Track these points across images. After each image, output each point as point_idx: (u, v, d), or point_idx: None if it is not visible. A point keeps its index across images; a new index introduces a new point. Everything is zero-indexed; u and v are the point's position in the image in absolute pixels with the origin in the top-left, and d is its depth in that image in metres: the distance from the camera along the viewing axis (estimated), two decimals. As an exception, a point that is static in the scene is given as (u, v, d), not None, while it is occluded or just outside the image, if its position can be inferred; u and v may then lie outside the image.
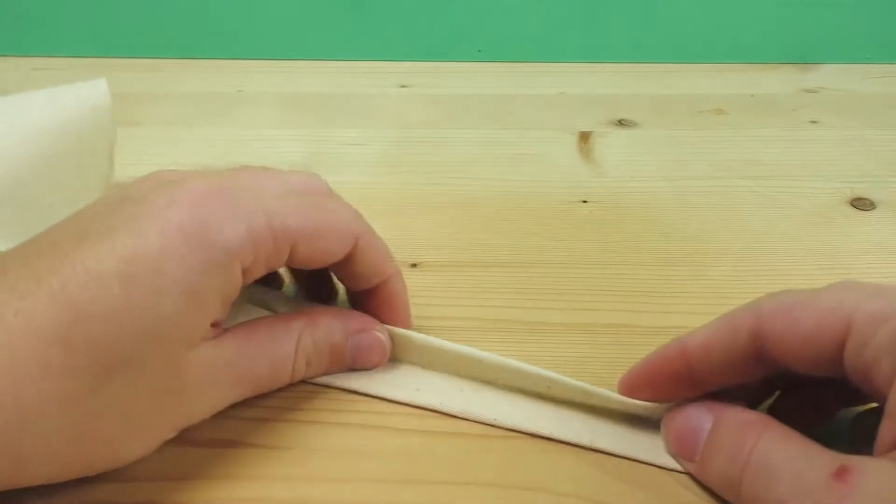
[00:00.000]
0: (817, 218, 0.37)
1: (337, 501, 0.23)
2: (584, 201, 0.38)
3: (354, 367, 0.27)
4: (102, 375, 0.20)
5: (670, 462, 0.24)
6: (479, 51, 0.53)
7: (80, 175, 0.31)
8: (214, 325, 0.23)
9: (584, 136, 0.44)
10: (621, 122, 0.45)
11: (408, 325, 0.27)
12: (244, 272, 0.23)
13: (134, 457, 0.22)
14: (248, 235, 0.22)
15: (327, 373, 0.26)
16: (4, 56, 0.53)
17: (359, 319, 0.27)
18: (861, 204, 0.38)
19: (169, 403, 0.22)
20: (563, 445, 0.25)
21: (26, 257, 0.21)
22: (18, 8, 0.52)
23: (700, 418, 0.23)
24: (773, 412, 0.23)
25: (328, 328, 0.26)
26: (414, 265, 0.33)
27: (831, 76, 0.51)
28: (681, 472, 0.24)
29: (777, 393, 0.25)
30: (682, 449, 0.23)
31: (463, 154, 0.42)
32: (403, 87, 0.50)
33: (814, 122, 0.45)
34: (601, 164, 0.41)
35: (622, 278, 0.33)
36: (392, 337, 0.27)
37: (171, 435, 0.23)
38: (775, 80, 0.50)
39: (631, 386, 0.25)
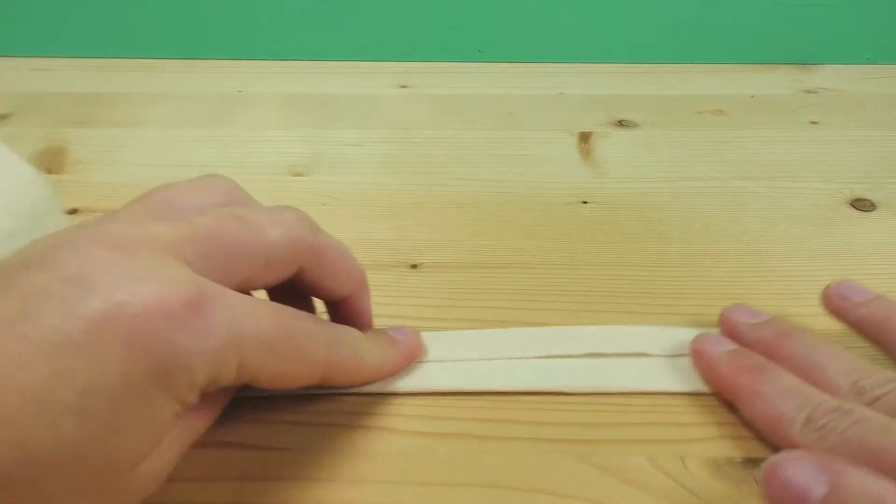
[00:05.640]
0: (817, 219, 0.37)
1: (336, 502, 0.23)
2: (585, 202, 0.38)
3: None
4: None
5: (683, 387, 0.27)
6: (479, 51, 0.53)
7: None
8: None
9: (584, 137, 0.44)
10: (621, 123, 0.45)
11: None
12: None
13: None
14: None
15: None
16: (4, 56, 0.53)
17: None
18: (861, 205, 0.38)
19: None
20: (564, 446, 0.25)
21: None
22: (18, 8, 0.52)
23: (811, 479, 0.20)
24: None
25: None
26: (413, 266, 0.33)
27: (831, 76, 0.51)
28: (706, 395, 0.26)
29: None
30: (782, 501, 0.20)
31: (463, 154, 0.42)
32: (403, 87, 0.50)
33: (814, 122, 0.45)
34: (601, 164, 0.41)
35: (622, 279, 0.33)
36: None
37: None
38: (775, 81, 0.50)
39: None
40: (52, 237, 0.20)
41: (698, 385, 0.27)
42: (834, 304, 0.28)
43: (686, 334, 0.28)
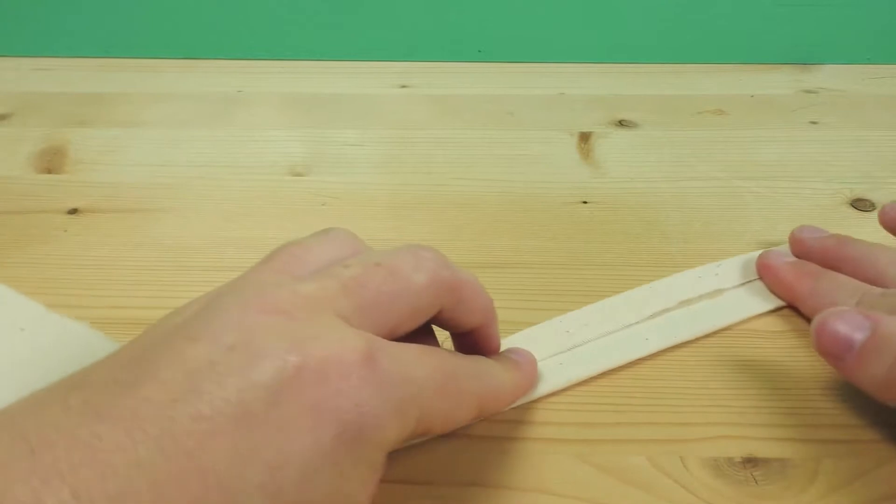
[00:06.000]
0: (817, 219, 0.37)
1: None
2: (585, 202, 0.38)
3: None
4: None
5: (764, 307, 0.30)
6: (479, 51, 0.53)
7: None
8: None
9: (584, 137, 0.44)
10: (621, 123, 0.45)
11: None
12: None
13: None
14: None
15: None
16: (4, 56, 0.53)
17: None
18: (861, 205, 0.38)
19: None
20: (564, 446, 0.25)
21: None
22: (18, 8, 0.52)
23: (857, 323, 0.23)
24: None
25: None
26: (414, 266, 0.33)
27: (831, 76, 0.51)
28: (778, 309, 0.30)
29: None
30: (830, 348, 0.24)
31: (463, 154, 0.42)
32: (403, 87, 0.50)
33: (814, 122, 0.45)
34: (601, 164, 0.41)
35: (622, 279, 0.33)
36: None
37: None
38: (775, 81, 0.50)
39: None
40: (190, 307, 0.19)
41: (776, 301, 0.30)
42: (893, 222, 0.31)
43: (744, 261, 0.32)
